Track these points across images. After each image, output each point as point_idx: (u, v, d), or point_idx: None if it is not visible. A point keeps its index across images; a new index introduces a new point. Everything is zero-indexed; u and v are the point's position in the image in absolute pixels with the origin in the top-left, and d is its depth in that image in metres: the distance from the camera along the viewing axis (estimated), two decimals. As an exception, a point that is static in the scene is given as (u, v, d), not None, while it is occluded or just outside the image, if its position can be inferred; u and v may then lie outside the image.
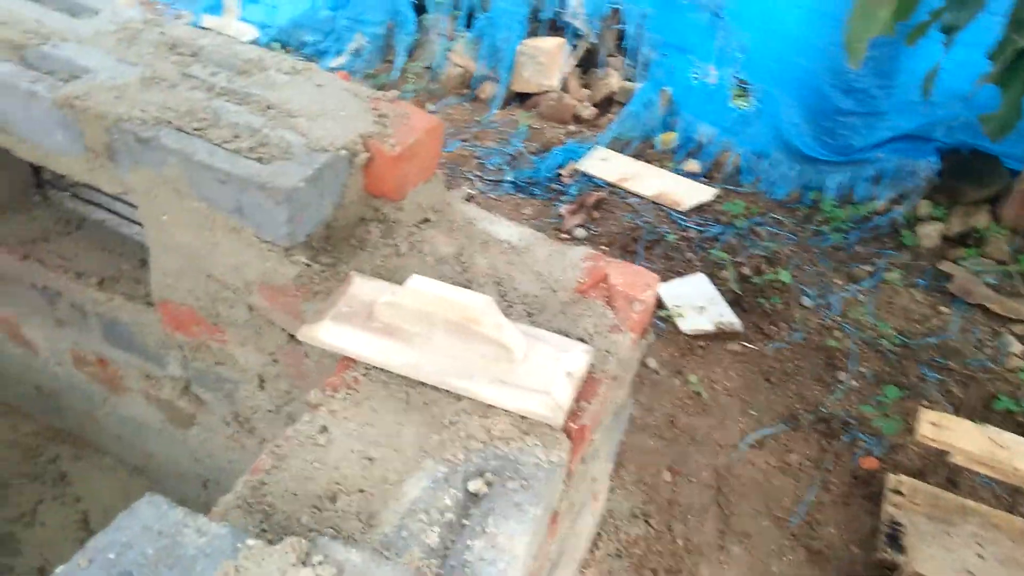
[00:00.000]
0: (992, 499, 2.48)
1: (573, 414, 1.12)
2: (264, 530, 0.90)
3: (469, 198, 3.57)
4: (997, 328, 3.12)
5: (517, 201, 3.61)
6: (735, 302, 3.04)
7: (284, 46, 4.89)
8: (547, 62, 4.41)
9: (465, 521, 0.96)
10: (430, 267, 1.36)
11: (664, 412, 2.63)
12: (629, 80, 4.43)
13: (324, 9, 4.90)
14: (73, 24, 1.51)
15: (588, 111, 4.38)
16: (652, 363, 2.74)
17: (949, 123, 3.51)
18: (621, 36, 4.53)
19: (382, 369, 1.13)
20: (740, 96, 3.96)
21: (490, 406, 1.09)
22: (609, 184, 3.72)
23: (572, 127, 4.27)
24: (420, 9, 4.86)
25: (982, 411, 2.76)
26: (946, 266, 3.38)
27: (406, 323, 1.15)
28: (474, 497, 0.99)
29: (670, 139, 4.07)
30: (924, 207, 3.63)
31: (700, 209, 3.62)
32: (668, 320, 2.94)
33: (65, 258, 1.68)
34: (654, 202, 3.62)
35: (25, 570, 1.86)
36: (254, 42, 4.87)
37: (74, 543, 1.99)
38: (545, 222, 3.44)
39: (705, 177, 3.88)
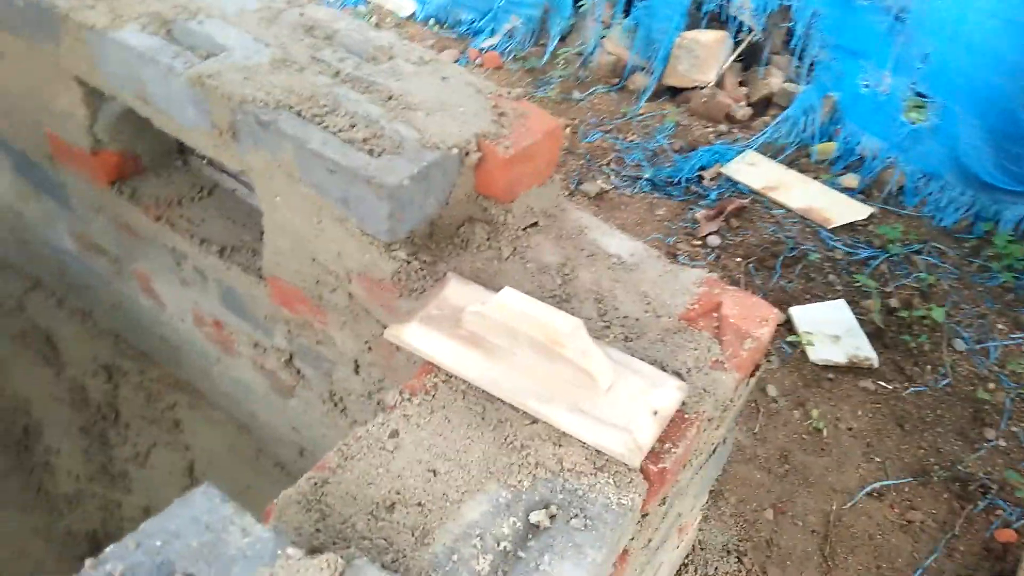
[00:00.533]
0: None
1: (654, 454, 1.06)
2: (318, 530, 0.91)
3: (602, 193, 3.51)
4: None
5: (652, 200, 3.51)
6: (875, 335, 2.82)
7: (440, 23, 4.99)
8: (704, 56, 4.25)
9: (521, 553, 0.93)
10: (530, 275, 1.33)
11: (777, 445, 2.48)
12: (791, 82, 4.19)
13: (484, -12, 4.95)
14: (221, 0, 1.59)
15: (742, 111, 4.18)
16: (772, 391, 2.59)
17: None
18: (788, 34, 4.28)
19: (462, 379, 1.12)
20: (914, 110, 3.63)
21: (565, 434, 1.05)
22: (754, 192, 3.54)
23: (723, 127, 4.09)
24: (579, -7, 4.80)
25: None
26: None
27: (491, 335, 1.13)
28: (534, 529, 0.96)
29: (829, 149, 3.82)
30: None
31: (851, 228, 3.37)
32: (797, 346, 2.77)
33: (193, 223, 1.79)
34: (801, 216, 3.41)
35: (133, 508, 2.02)
36: (411, 17, 5.01)
37: (179, 489, 2.14)
38: (678, 225, 3.33)
39: (862, 194, 3.61)
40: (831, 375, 2.72)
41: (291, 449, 2.05)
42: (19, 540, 2.07)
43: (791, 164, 3.76)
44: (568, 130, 4.04)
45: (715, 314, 1.30)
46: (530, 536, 0.95)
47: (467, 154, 1.29)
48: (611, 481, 1.02)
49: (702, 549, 2.20)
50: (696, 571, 2.14)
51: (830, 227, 3.36)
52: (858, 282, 3.08)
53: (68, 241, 2.15)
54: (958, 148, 3.44)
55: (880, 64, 3.60)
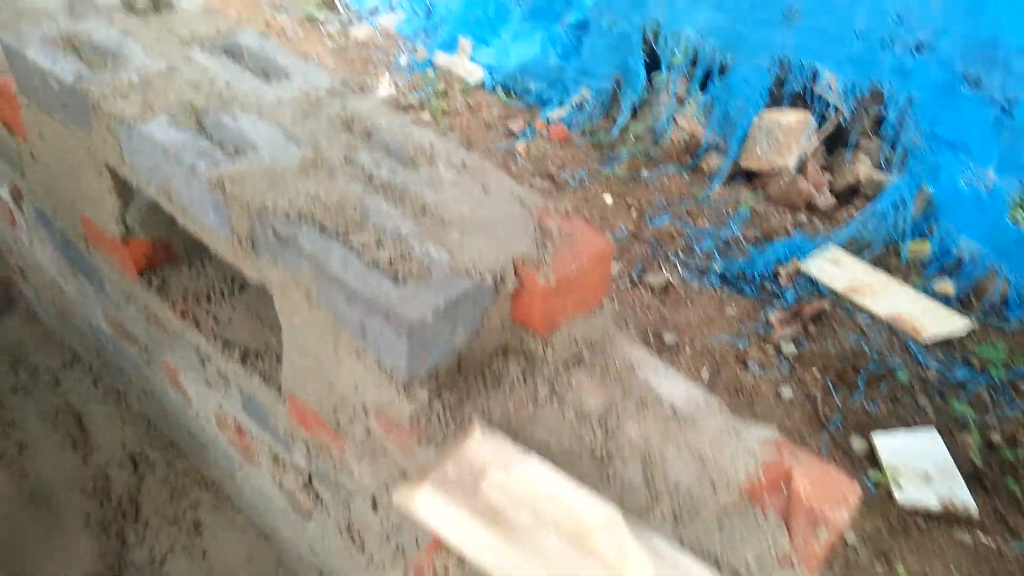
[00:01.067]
0: None
1: None
2: None
3: (667, 285, 3.35)
4: None
5: (721, 297, 3.32)
6: (974, 476, 2.53)
7: (508, 91, 4.98)
8: (785, 138, 4.09)
9: None
10: (568, 425, 1.18)
11: (858, 600, 2.22)
12: (881, 170, 3.97)
13: (554, 57, 4.93)
14: (261, 89, 1.53)
15: (825, 200, 3.98)
16: (850, 537, 2.33)
17: None
18: (879, 119, 4.09)
19: (475, 565, 0.97)
20: (1022, 211, 3.38)
21: (593, 651, 0.89)
22: (835, 293, 3.31)
23: (802, 216, 3.90)
24: (652, 66, 4.72)
25: None
26: None
27: (513, 511, 0.98)
28: None
29: (922, 249, 3.57)
30: None
31: (946, 344, 3.10)
32: (880, 484, 2.51)
33: (219, 322, 1.71)
34: (888, 325, 3.16)
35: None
36: (480, 84, 5.02)
37: (189, 602, 2.04)
38: (750, 327, 3.12)
39: (960, 304, 3.33)
40: (921, 522, 2.44)
41: (310, 570, 1.93)
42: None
43: (878, 263, 3.51)
44: (634, 212, 3.91)
45: (784, 488, 1.12)
46: None
47: (502, 280, 1.17)
48: None
49: None
50: None
51: (921, 340, 3.10)
52: (953, 409, 2.80)
53: (103, 323, 2.11)
54: (1072, 257, 3.17)
55: (983, 159, 3.38)
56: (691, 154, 4.39)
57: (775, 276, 3.46)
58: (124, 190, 1.62)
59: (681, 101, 4.57)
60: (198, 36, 1.68)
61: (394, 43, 5.35)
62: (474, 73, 5.12)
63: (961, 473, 2.53)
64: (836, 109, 4.11)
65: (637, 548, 0.91)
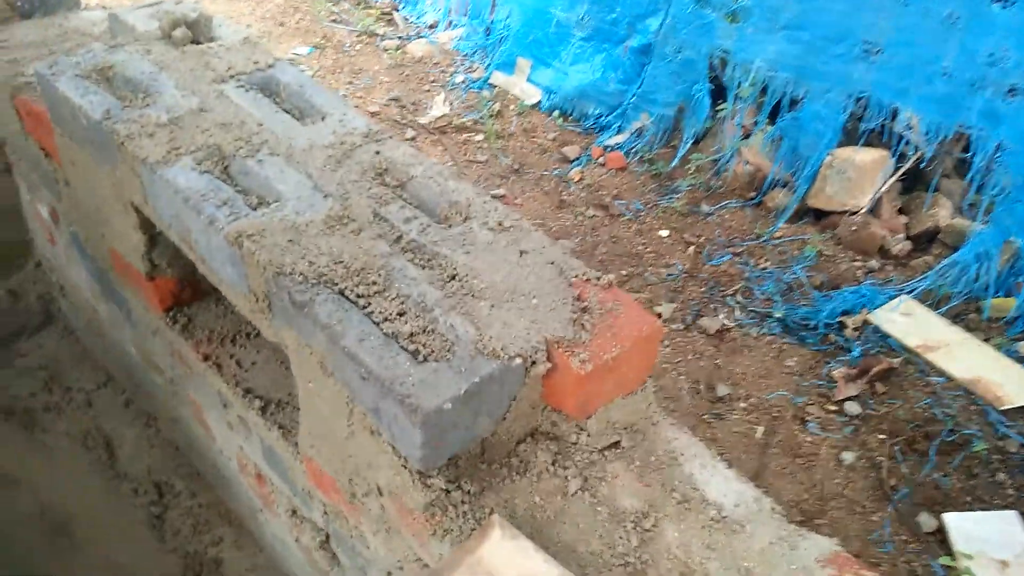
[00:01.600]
0: None
1: None
2: None
3: (723, 330, 3.21)
4: None
5: (781, 346, 3.17)
6: (1059, 567, 2.35)
7: (565, 114, 4.91)
8: (858, 178, 3.91)
9: None
10: (600, 525, 1.09)
11: None
12: (963, 217, 3.77)
13: (615, 82, 4.84)
14: (293, 131, 1.48)
15: (900, 246, 3.79)
16: (916, 630, 2.18)
17: None
18: (963, 162, 3.88)
19: None
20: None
21: None
22: (907, 350, 3.13)
23: (874, 263, 3.71)
24: (718, 94, 4.60)
25: None
26: None
27: (529, 638, 0.89)
28: None
29: (1006, 307, 3.36)
30: None
31: (1031, 413, 2.91)
32: (952, 569, 2.33)
33: (242, 366, 1.66)
34: (966, 388, 2.97)
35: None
36: (536, 105, 4.96)
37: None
38: (811, 382, 2.97)
39: (1047, 368, 3.13)
40: (996, 612, 2.27)
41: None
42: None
43: (956, 319, 3.32)
44: (691, 248, 3.78)
45: (843, 618, 1.01)
46: None
47: (533, 363, 1.08)
48: None
49: None
50: None
51: (1003, 407, 2.90)
52: (1037, 488, 2.61)
53: (132, 349, 2.10)
54: None
55: (1078, 212, 3.17)
56: (755, 189, 4.24)
57: (841, 327, 3.28)
58: (150, 227, 1.59)
59: (747, 133, 4.43)
60: (235, 70, 1.64)
61: (451, 60, 5.33)
62: (531, 95, 5.06)
63: (1044, 565, 2.35)
64: (916, 149, 3.92)
65: None
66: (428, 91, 4.99)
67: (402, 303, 1.12)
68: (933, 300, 3.41)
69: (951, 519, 2.47)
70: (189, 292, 1.76)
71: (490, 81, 5.15)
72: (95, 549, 2.09)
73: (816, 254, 3.73)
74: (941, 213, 3.85)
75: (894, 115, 3.90)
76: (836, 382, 2.99)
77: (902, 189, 4.06)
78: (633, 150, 4.57)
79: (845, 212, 3.93)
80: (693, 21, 4.52)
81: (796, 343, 3.20)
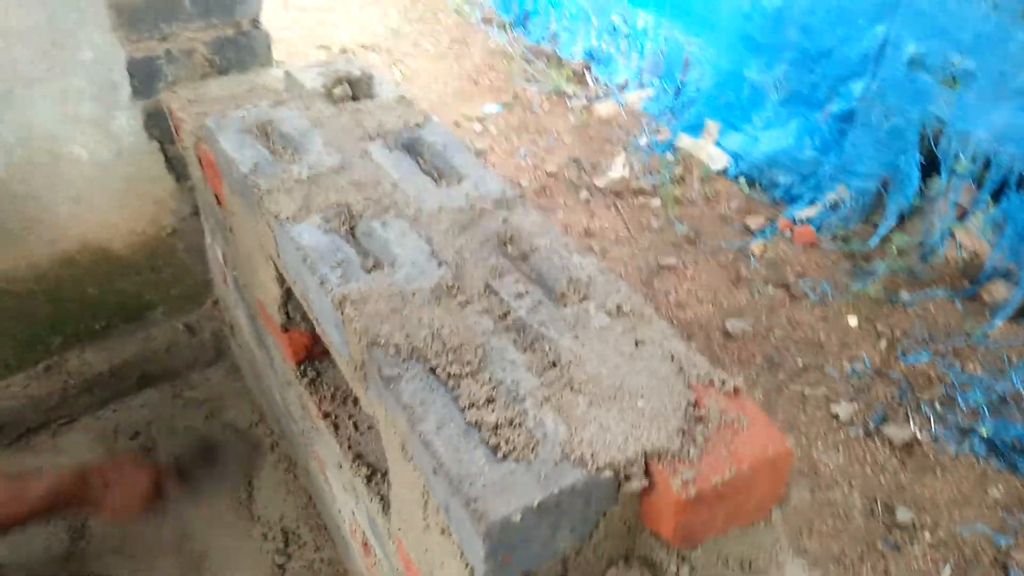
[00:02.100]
0: None
1: None
2: None
3: (912, 443, 2.83)
4: None
5: (984, 470, 2.73)
6: None
7: (753, 182, 4.67)
8: (1100, 273, 3.38)
9: None
10: None
11: None
12: None
13: (809, 150, 4.55)
14: (425, 193, 1.46)
15: None
16: None
17: None
18: None
19: None
20: None
21: None
22: None
23: (1116, 376, 3.16)
24: (929, 168, 4.18)
25: None
26: None
27: None
28: None
29: None
30: None
31: None
32: None
33: (358, 429, 1.65)
34: None
35: None
36: (723, 171, 4.76)
37: None
38: (1020, 520, 2.52)
39: None
40: None
41: None
42: None
43: None
44: (883, 342, 3.40)
45: None
46: None
47: (627, 478, 0.95)
48: None
49: None
50: None
51: None
52: None
53: (277, 396, 2.17)
54: None
55: None
56: (969, 279, 3.77)
57: (1065, 451, 2.80)
58: (284, 280, 1.63)
59: (963, 214, 3.98)
60: (384, 129, 1.66)
61: (638, 122, 5.26)
62: (717, 159, 4.87)
63: None
64: None
65: None
66: (609, 152, 4.95)
67: (493, 388, 1.04)
68: None
69: None
70: (321, 347, 1.78)
71: (675, 144, 5.02)
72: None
73: (1040, 360, 3.24)
74: None
75: None
76: (1053, 520, 2.53)
77: None
78: (826, 225, 4.24)
79: (1081, 313, 3.40)
80: (905, 85, 4.15)
81: (1005, 468, 2.74)
